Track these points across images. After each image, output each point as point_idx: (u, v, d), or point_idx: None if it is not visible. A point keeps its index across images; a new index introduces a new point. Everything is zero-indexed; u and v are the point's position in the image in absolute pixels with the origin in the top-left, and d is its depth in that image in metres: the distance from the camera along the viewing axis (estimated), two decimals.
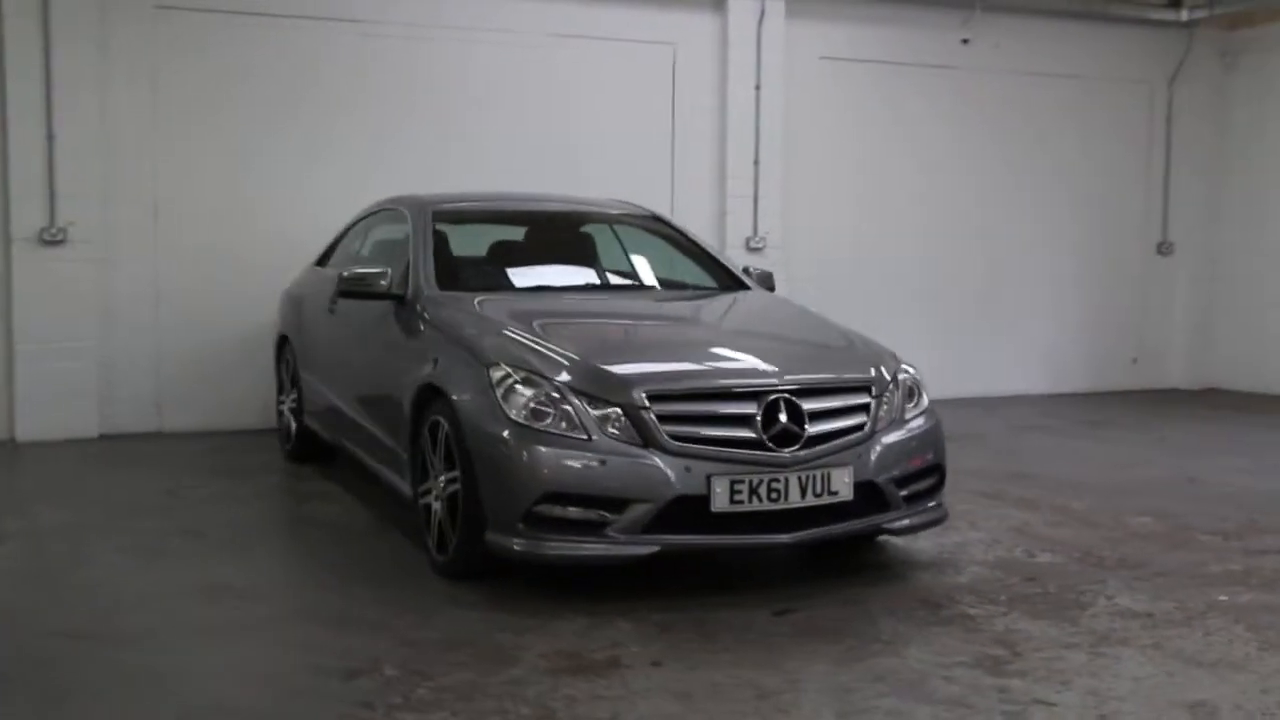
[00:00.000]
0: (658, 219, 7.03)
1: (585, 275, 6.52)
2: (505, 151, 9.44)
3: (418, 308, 5.78)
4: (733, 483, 4.64)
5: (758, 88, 10.24)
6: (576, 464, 4.62)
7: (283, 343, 7.95)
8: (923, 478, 5.20)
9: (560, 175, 9.22)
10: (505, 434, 4.70)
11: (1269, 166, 11.72)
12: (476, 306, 5.64)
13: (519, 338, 5.14)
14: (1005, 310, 11.47)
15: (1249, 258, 11.91)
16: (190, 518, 6.28)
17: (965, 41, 11.00)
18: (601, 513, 4.62)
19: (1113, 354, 11.96)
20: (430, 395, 5.23)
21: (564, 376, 4.80)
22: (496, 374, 4.86)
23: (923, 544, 5.65)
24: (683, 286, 6.55)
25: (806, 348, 5.53)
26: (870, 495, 4.95)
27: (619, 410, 4.69)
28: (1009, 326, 11.49)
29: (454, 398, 4.94)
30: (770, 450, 4.72)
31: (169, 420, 8.82)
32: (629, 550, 4.64)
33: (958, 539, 5.80)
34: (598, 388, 4.76)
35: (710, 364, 5.15)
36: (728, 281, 6.57)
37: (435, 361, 5.27)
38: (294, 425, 7.65)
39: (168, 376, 8.81)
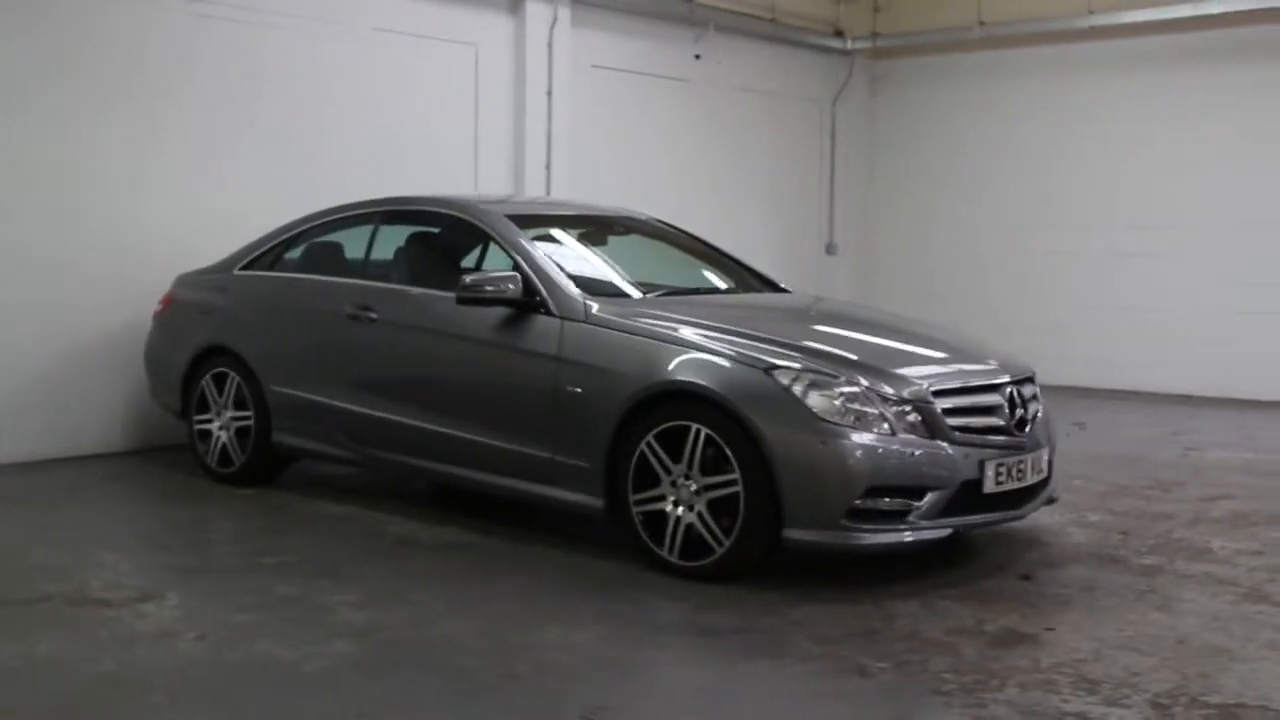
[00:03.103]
0: (664, 223, 7.28)
1: (670, 278, 6.62)
2: (324, 143, 8.99)
3: (569, 314, 5.70)
4: (998, 466, 5.23)
5: (549, 93, 10.49)
6: (895, 457, 4.99)
7: (207, 356, 7.16)
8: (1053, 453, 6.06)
9: (374, 170, 9.00)
10: (822, 434, 4.94)
11: (907, 177, 13.73)
12: (669, 311, 5.69)
13: (775, 339, 5.36)
14: None
15: (897, 258, 13.85)
16: (305, 553, 5.71)
17: (698, 57, 11.87)
18: (906, 501, 5.03)
19: None
20: (657, 403, 5.29)
21: (858, 376, 5.11)
22: (784, 377, 5.06)
23: None
24: (744, 289, 6.85)
25: (977, 344, 6.11)
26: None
27: (910, 406, 5.10)
28: None
29: (737, 405, 5.04)
30: (1017, 435, 5.37)
31: (2, 450, 7.58)
32: (930, 534, 5.10)
33: None
34: (889, 385, 5.13)
35: (955, 361, 5.67)
36: (755, 282, 6.98)
37: (660, 368, 5.31)
38: (234, 445, 6.97)
39: None
